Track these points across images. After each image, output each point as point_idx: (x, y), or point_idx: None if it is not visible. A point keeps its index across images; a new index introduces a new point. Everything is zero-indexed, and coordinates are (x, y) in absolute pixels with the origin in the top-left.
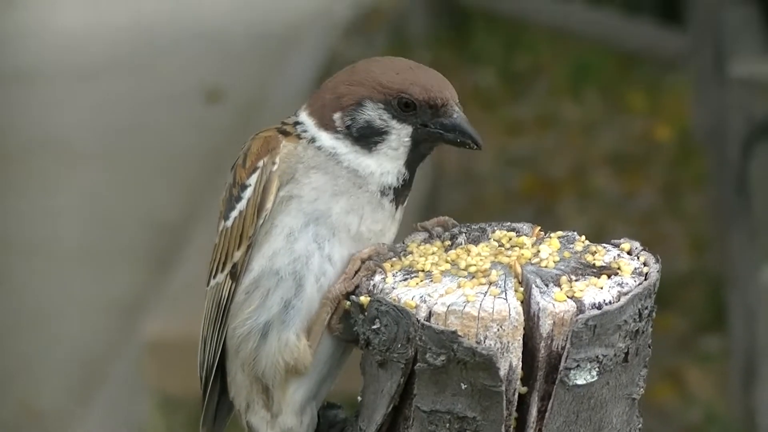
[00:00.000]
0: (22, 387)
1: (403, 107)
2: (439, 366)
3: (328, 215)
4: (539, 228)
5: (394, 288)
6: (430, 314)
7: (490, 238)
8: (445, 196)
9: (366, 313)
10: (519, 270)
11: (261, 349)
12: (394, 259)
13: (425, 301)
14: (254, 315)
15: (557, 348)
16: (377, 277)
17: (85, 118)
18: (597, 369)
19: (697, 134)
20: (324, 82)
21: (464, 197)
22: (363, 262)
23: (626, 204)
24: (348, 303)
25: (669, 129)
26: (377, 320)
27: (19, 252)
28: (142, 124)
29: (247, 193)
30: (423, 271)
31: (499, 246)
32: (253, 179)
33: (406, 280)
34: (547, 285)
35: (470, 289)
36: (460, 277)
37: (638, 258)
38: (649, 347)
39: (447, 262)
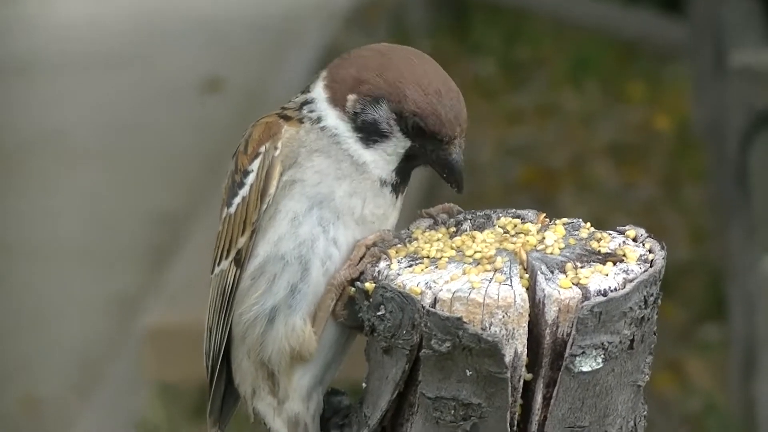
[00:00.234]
0: (23, 382)
1: (414, 129)
2: (444, 352)
3: (331, 198)
4: (544, 215)
5: (399, 274)
6: (435, 301)
7: (495, 225)
8: (444, 185)
9: (371, 300)
10: (524, 257)
11: (268, 334)
12: (399, 245)
13: (430, 288)
14: (261, 300)
15: (562, 335)
16: (382, 264)
17: (84, 114)
18: (602, 356)
19: (696, 126)
20: (351, 51)
21: (464, 187)
22: (368, 248)
23: (626, 195)
24: (353, 289)
25: (668, 120)
26: (382, 306)
27: (18, 250)
28: (141, 119)
29: (250, 179)
30: (428, 257)
31: (504, 233)
32: (255, 165)
33: (411, 266)
34: (552, 272)
35: (475, 275)
36: (465, 263)
37: (643, 245)
38: (655, 334)
39: (452, 248)
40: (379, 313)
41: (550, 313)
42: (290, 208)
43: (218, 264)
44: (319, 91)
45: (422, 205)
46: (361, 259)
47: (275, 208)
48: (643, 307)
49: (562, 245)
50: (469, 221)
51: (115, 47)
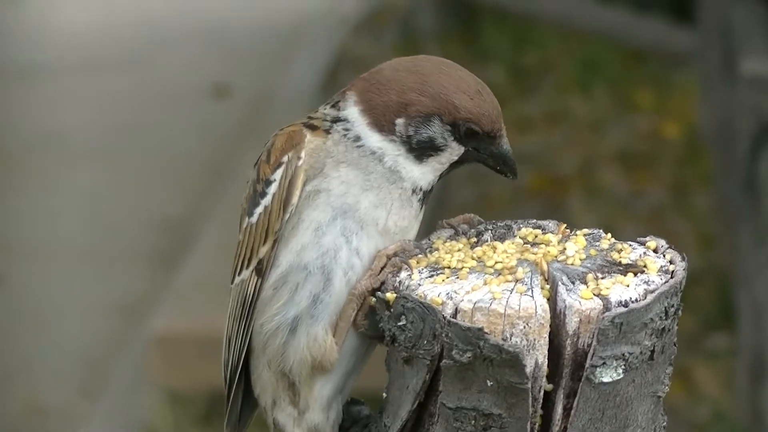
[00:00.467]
0: (27, 386)
1: (468, 133)
2: (465, 363)
3: (356, 209)
4: (565, 225)
5: (420, 285)
6: (456, 311)
7: (515, 236)
8: (453, 192)
9: (392, 310)
10: (545, 267)
11: (289, 344)
12: (420, 255)
13: (451, 298)
14: (283, 310)
15: (583, 345)
16: (403, 274)
17: (87, 116)
18: (623, 367)
19: (704, 132)
20: (378, 71)
21: (472, 193)
22: (389, 258)
23: (634, 201)
24: (374, 299)
25: (677, 127)
26: (403, 317)
27: (20, 252)
28: (145, 121)
29: (272, 188)
30: (449, 267)
31: (525, 243)
32: (278, 174)
33: (432, 276)
34: (573, 282)
35: (496, 286)
36: (486, 274)
37: (664, 256)
38: (675, 345)
39: (473, 259)
40: (400, 323)
41: (571, 323)
42: (314, 218)
43: (239, 273)
44: (354, 114)
45: (430, 214)
46: (382, 269)
47: (298, 217)
48: (664, 318)
49: (583, 256)
50: (489, 232)
51: (119, 52)
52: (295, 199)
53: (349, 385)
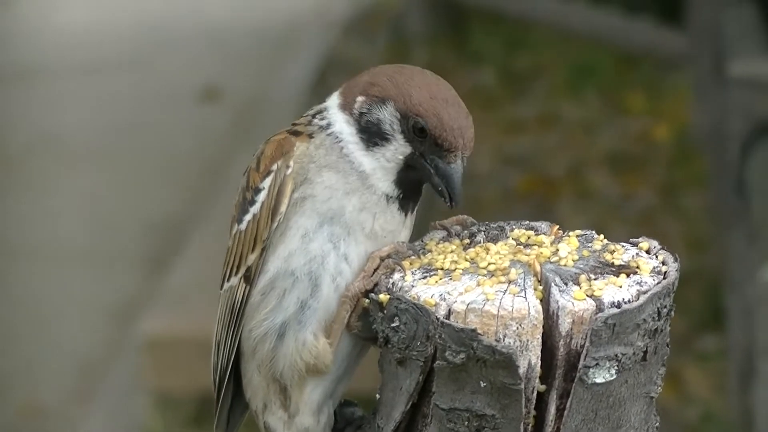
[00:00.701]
0: (23, 388)
1: (416, 130)
2: (459, 364)
3: (342, 214)
4: (557, 227)
5: (413, 286)
6: (449, 312)
7: (508, 237)
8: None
9: (385, 311)
10: (538, 268)
11: (278, 349)
12: (413, 257)
13: (445, 299)
14: (270, 316)
15: (576, 346)
16: (396, 275)
17: (84, 118)
18: (616, 367)
19: (696, 135)
20: (372, 67)
21: (463, 196)
22: (382, 260)
23: (625, 204)
24: (367, 301)
25: (667, 129)
26: (396, 318)
27: (17, 253)
28: (140, 123)
29: (261, 196)
30: (442, 269)
31: (518, 244)
32: (267, 182)
33: (425, 278)
34: (566, 283)
35: (490, 287)
36: (479, 275)
37: (657, 257)
38: (668, 346)
39: (466, 260)
40: (394, 325)
41: (564, 324)
42: (301, 225)
43: (227, 280)
44: (333, 99)
45: (420, 216)
46: (375, 270)
47: (286, 224)
48: (657, 318)
49: (576, 257)
50: (482, 233)
51: (114, 54)
52: (283, 208)
53: (340, 389)
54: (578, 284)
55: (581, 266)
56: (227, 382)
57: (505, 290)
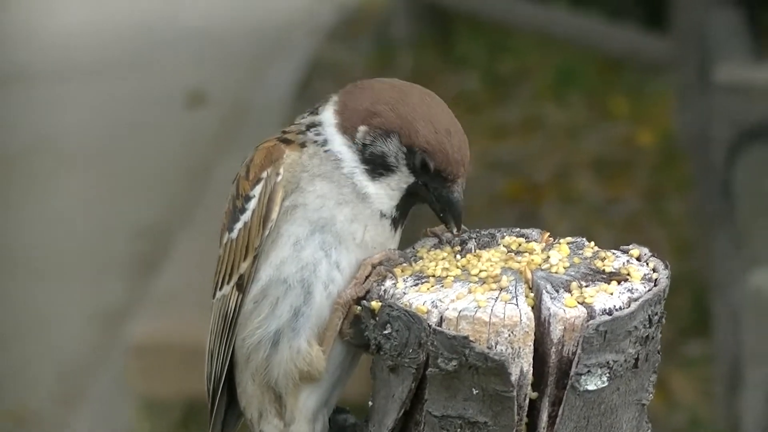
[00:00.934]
0: (10, 393)
1: (421, 164)
2: (451, 371)
3: (333, 223)
4: (548, 234)
5: (405, 293)
6: (441, 319)
7: (499, 244)
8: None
9: (377, 318)
10: (529, 276)
11: (272, 357)
12: (404, 264)
13: (436, 307)
14: (264, 324)
15: (568, 353)
16: (388, 283)
17: (71, 122)
18: (607, 374)
19: (680, 139)
20: (368, 81)
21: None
22: (374, 267)
23: (609, 208)
24: (359, 308)
25: (652, 134)
26: (388, 325)
27: (4, 258)
28: (126, 128)
29: (252, 204)
30: (434, 276)
31: (509, 252)
32: (257, 190)
33: (416, 285)
34: (557, 291)
35: (481, 294)
36: (471, 282)
37: (647, 264)
38: (659, 353)
39: (457, 267)
40: (386, 332)
41: (556, 331)
42: (292, 233)
43: (219, 289)
44: (328, 116)
45: (406, 222)
46: (367, 277)
47: (277, 232)
48: (648, 326)
49: (567, 264)
50: (474, 240)
51: (101, 58)
52: (274, 215)
53: (334, 396)
54: (569, 291)
55: (572, 273)
56: (221, 392)
57: (497, 297)
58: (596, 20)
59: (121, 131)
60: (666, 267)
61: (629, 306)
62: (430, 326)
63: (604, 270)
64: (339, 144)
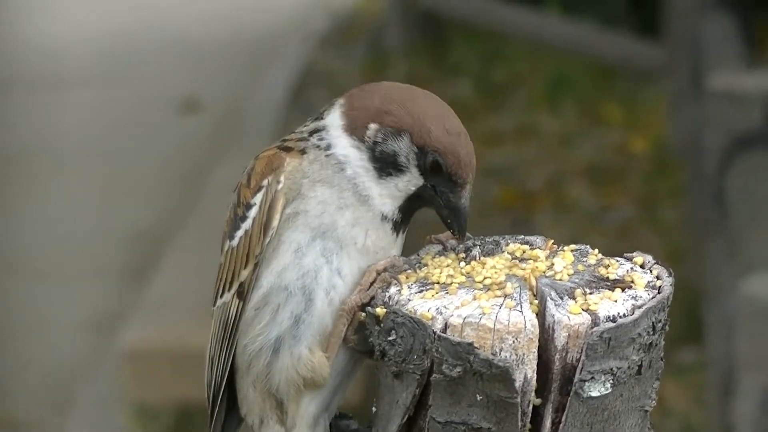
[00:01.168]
0: (1, 399)
1: (432, 165)
2: (455, 377)
3: (334, 228)
4: (552, 241)
5: (409, 300)
6: (446, 326)
7: (503, 251)
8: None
9: (382, 325)
10: (534, 283)
11: (273, 364)
12: (409, 271)
13: (441, 313)
14: (265, 331)
15: (572, 360)
16: (392, 289)
17: (60, 130)
18: (611, 381)
19: (673, 147)
20: (376, 83)
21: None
22: (378, 273)
23: (602, 216)
24: (363, 314)
25: (645, 141)
26: (393, 332)
27: None
28: (117, 135)
29: (252, 212)
30: (438, 283)
31: (513, 259)
32: (258, 198)
33: (421, 292)
34: (561, 298)
35: (486, 301)
36: (475, 289)
37: (651, 271)
38: (662, 360)
39: (462, 274)
40: (390, 338)
41: (560, 338)
42: (293, 239)
43: (220, 296)
44: (334, 118)
45: (409, 227)
46: (371, 284)
47: (278, 239)
48: (651, 333)
49: (571, 271)
50: (478, 247)
51: (91, 67)
52: (275, 223)
53: (335, 402)
54: (574, 298)
55: (576, 280)
56: (221, 398)
57: (502, 304)
58: (589, 27)
59: (115, 137)
60: (670, 274)
61: (633, 313)
62: (434, 333)
63: (608, 277)
64: (344, 146)
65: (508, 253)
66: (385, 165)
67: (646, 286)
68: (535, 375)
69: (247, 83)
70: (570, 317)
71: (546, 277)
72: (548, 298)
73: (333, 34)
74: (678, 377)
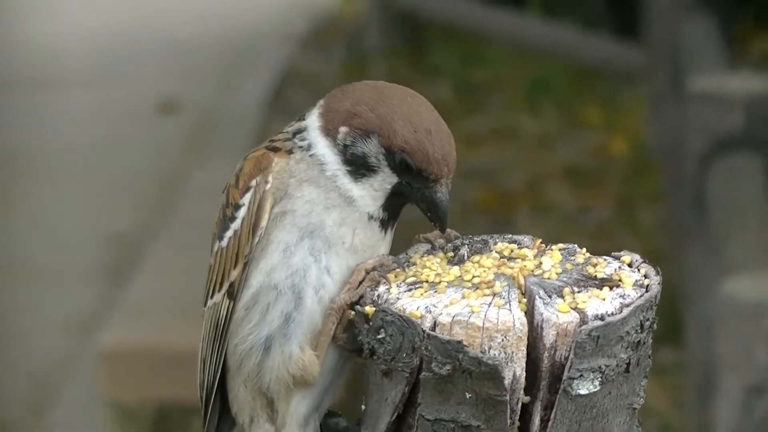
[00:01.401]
0: None
1: (401, 164)
2: (445, 375)
3: (321, 228)
4: (540, 240)
5: (398, 298)
6: (435, 324)
7: (492, 250)
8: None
9: (371, 323)
10: (522, 281)
11: (264, 363)
12: (398, 270)
13: (430, 312)
14: (255, 330)
15: (560, 358)
16: (381, 288)
17: (41, 133)
18: (599, 379)
19: (653, 149)
20: (352, 84)
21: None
22: (367, 272)
23: (582, 217)
24: (352, 313)
25: (625, 143)
26: (382, 330)
27: None
28: (97, 138)
29: (241, 212)
30: (427, 281)
31: (502, 258)
32: (246, 199)
33: (410, 290)
34: (550, 296)
35: (474, 299)
36: (464, 288)
37: (639, 270)
38: (650, 358)
39: (450, 273)
40: (379, 337)
41: (549, 336)
42: (281, 239)
43: (211, 297)
44: (313, 120)
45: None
46: (360, 283)
47: (267, 239)
48: (639, 331)
49: (559, 270)
50: (466, 246)
51: (71, 70)
52: (263, 223)
53: (326, 401)
54: (562, 297)
55: (565, 279)
56: (214, 398)
57: (490, 303)
58: (569, 30)
59: (94, 140)
60: (657, 273)
61: (621, 312)
62: (423, 331)
63: (596, 276)
64: (322, 147)
65: (496, 252)
66: (358, 167)
67: (634, 285)
68: (524, 373)
69: (226, 85)
70: (558, 315)
71: (534, 275)
72: (537, 297)
73: (313, 35)
74: (657, 378)
